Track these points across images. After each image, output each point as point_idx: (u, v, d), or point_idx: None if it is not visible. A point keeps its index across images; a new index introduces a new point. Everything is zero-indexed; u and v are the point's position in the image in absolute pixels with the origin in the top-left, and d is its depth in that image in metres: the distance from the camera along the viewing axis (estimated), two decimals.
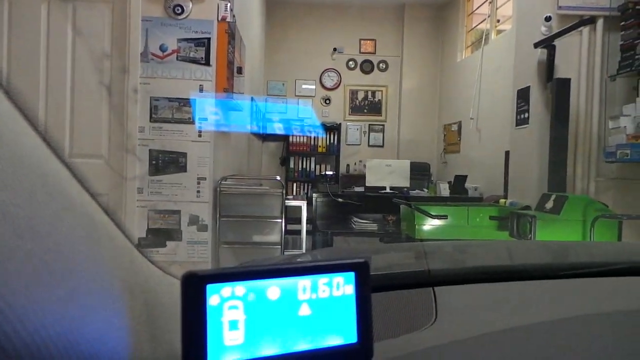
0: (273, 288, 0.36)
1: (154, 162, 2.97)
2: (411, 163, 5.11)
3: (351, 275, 0.39)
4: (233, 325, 0.34)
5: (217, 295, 0.34)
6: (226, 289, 0.34)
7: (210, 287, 0.34)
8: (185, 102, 2.98)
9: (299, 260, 1.06)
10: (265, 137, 6.90)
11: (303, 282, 0.37)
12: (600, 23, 3.51)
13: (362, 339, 0.38)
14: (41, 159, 0.27)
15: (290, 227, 3.60)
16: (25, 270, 0.21)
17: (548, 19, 3.70)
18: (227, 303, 0.34)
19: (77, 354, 0.24)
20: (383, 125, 7.45)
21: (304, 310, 0.37)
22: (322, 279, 0.38)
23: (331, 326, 0.38)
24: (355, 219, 4.25)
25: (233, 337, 0.34)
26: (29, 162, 0.25)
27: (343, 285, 0.38)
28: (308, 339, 0.37)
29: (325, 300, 0.38)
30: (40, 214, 0.24)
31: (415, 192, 5.13)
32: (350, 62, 7.40)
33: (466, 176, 5.22)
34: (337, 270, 0.38)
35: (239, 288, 0.35)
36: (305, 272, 0.37)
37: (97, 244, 0.31)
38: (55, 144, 0.29)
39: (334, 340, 0.37)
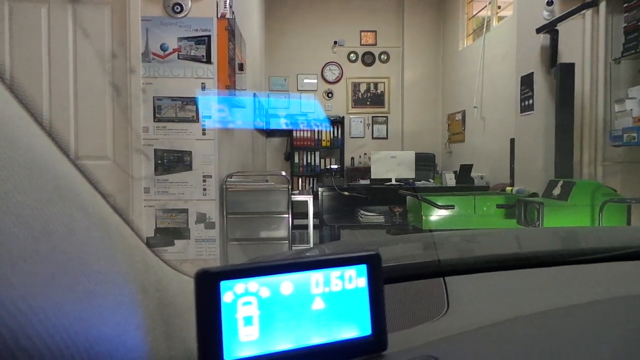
0: (286, 283, 0.36)
1: (159, 161, 2.98)
2: (416, 154, 5.10)
3: (363, 267, 0.39)
4: (247, 321, 0.34)
5: (230, 292, 0.34)
6: (239, 285, 0.34)
7: (223, 284, 0.34)
8: (188, 101, 2.98)
9: (308, 254, 1.07)
10: (269, 133, 6.90)
11: (316, 276, 0.37)
12: (602, 5, 3.47)
13: (376, 331, 0.38)
14: (54, 161, 0.27)
15: (297, 222, 3.61)
16: (43, 272, 0.22)
17: (550, 3, 3.66)
18: (241, 299, 0.34)
19: (97, 354, 0.25)
20: (386, 117, 7.43)
21: (318, 304, 0.37)
22: (335, 273, 0.38)
23: (345, 319, 0.38)
24: (362, 211, 4.25)
25: (248, 333, 0.34)
26: (43, 165, 0.25)
27: (355, 278, 0.38)
28: (322, 332, 0.37)
29: (338, 294, 0.38)
30: (55, 216, 0.24)
31: (421, 183, 5.12)
32: (352, 55, 7.37)
33: (472, 165, 5.20)
34: (349, 264, 0.38)
35: (252, 284, 0.35)
36: (317, 266, 0.37)
37: (110, 245, 0.31)
38: (65, 146, 0.29)
39: (348, 333, 0.38)
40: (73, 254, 0.25)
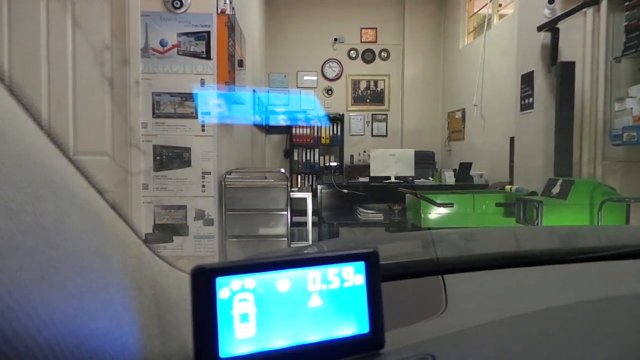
0: (283, 280, 0.36)
1: (158, 157, 2.97)
2: (415, 152, 5.09)
3: (361, 265, 0.38)
4: (244, 318, 0.34)
5: (227, 289, 0.34)
6: (236, 281, 0.34)
7: (219, 281, 0.33)
8: (188, 97, 2.97)
9: (306, 251, 1.06)
10: (269, 130, 6.90)
11: (313, 273, 0.37)
12: (604, 4, 3.46)
13: (373, 329, 0.38)
14: (46, 155, 0.26)
15: (295, 219, 3.61)
16: (31, 267, 0.21)
17: (551, 1, 3.65)
18: (237, 296, 0.34)
19: (88, 350, 0.24)
20: (386, 114, 7.42)
21: (315, 302, 0.37)
22: (332, 270, 0.37)
23: (342, 317, 0.37)
24: (361, 209, 4.25)
25: (244, 330, 0.34)
26: (34, 158, 0.25)
27: (353, 276, 0.38)
28: (319, 330, 0.36)
29: (336, 291, 0.37)
30: (46, 210, 0.24)
31: (420, 181, 5.12)
32: (352, 52, 7.36)
33: (471, 163, 5.20)
34: (347, 261, 0.38)
35: (249, 281, 0.34)
36: (314, 263, 0.37)
37: (104, 240, 0.30)
38: (59, 140, 0.29)
39: (346, 331, 0.37)
40: (64, 248, 0.24)
